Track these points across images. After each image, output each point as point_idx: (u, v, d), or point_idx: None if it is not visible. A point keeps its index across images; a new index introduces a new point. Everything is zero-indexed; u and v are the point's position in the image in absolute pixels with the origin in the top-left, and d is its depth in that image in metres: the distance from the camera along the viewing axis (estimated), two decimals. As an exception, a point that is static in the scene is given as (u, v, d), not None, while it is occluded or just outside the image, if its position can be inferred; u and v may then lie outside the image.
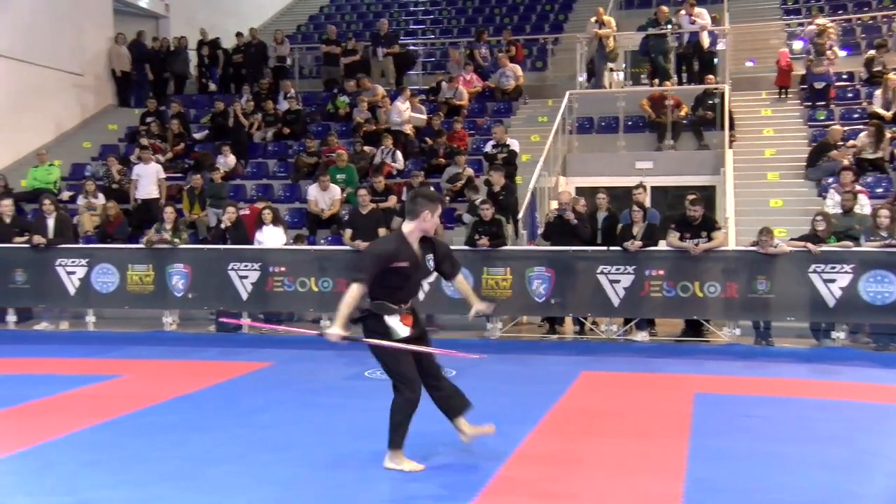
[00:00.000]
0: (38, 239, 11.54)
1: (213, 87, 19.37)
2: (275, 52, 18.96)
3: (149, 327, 11.66)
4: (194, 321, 12.04)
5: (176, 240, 11.54)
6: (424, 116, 15.64)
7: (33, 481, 5.04)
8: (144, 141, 15.45)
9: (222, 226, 11.82)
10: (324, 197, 13.15)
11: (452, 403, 5.44)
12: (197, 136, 16.54)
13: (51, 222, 11.78)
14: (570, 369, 8.72)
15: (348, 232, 11.31)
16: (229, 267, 11.27)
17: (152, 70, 19.12)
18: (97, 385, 7.97)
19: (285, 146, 16.19)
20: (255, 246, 11.56)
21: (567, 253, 10.67)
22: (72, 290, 11.56)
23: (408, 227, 5.22)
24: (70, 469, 5.27)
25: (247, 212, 12.63)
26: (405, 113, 15.34)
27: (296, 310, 11.83)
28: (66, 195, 14.71)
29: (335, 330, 5.11)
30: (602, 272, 10.39)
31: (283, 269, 11.22)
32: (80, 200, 13.92)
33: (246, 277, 11.26)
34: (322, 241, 12.82)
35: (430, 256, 5.33)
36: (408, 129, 15.28)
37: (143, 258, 11.52)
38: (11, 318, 11.83)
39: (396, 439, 5.23)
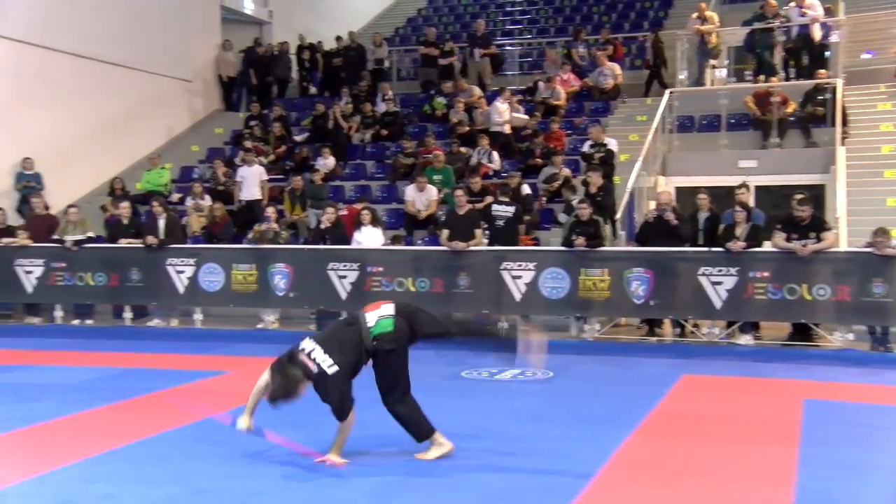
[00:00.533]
0: (150, 239, 12.04)
1: (313, 90, 19.82)
2: (373, 55, 19.25)
3: (251, 325, 12.02)
4: (294, 320, 12.34)
5: (283, 233, 11.89)
6: (526, 116, 15.55)
7: (148, 470, 5.25)
8: (248, 144, 15.94)
9: (322, 226, 12.08)
10: (421, 197, 13.27)
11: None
12: (298, 138, 16.95)
13: (161, 223, 12.27)
14: (670, 372, 8.53)
15: (445, 232, 11.38)
16: (328, 267, 11.49)
17: (256, 75, 19.71)
18: (205, 381, 8.26)
19: (383, 147, 16.42)
20: (354, 246, 11.75)
21: (667, 254, 10.44)
22: (181, 289, 12.00)
23: None
24: (181, 460, 5.48)
25: (345, 212, 12.86)
26: (505, 113, 15.30)
27: (393, 309, 11.95)
28: (175, 197, 15.31)
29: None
30: (703, 273, 10.13)
31: (380, 269, 11.37)
32: (189, 202, 14.46)
33: (345, 277, 11.46)
34: (419, 242, 12.94)
35: None
36: (507, 129, 15.24)
37: (246, 258, 11.88)
38: (128, 314, 12.40)
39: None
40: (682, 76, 16.43)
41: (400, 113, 17.01)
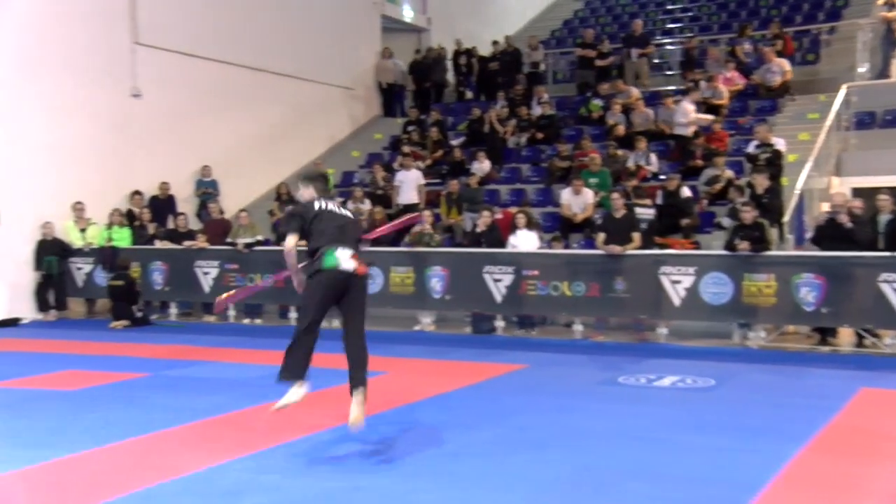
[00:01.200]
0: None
1: (469, 94, 20.06)
2: (528, 58, 19.25)
3: (407, 327, 12.29)
4: (450, 322, 12.52)
5: (436, 236, 12.12)
6: (711, 116, 14.98)
7: (312, 465, 5.48)
8: (406, 148, 16.33)
9: (477, 230, 12.19)
10: (577, 200, 13.14)
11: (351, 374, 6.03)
12: (454, 142, 17.20)
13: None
14: (845, 385, 8.01)
15: (601, 236, 11.21)
16: (484, 270, 11.58)
17: (414, 81, 20.17)
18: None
19: (538, 151, 16.38)
20: (509, 249, 11.78)
21: (841, 259, 9.83)
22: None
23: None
24: (344, 456, 5.68)
25: (501, 216, 12.91)
26: (690, 114, 14.83)
27: (548, 313, 11.92)
28: (337, 201, 15.87)
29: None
30: (885, 280, 9.46)
31: (535, 272, 11.34)
32: (349, 206, 14.94)
33: (500, 280, 11.50)
34: (575, 245, 12.81)
35: None
36: (690, 131, 14.75)
37: (404, 261, 12.15)
38: (293, 314, 12.98)
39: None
40: (863, 69, 15.40)
41: (555, 116, 16.92)
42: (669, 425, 6.53)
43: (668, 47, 19.35)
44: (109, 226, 13.72)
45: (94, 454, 5.72)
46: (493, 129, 16.66)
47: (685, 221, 12.06)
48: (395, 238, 13.61)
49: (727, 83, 15.89)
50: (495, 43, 19.91)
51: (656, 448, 5.84)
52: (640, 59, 17.89)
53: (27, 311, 13.33)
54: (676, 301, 10.57)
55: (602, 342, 11.09)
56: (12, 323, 12.89)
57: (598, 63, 18.10)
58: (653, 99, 16.73)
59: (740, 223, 10.46)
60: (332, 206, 6.18)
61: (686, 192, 12.69)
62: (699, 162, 13.73)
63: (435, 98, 20.35)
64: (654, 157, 14.19)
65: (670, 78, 18.41)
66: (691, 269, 10.50)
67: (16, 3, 13.13)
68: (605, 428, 6.42)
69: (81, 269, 13.72)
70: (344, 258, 5.90)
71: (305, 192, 6.36)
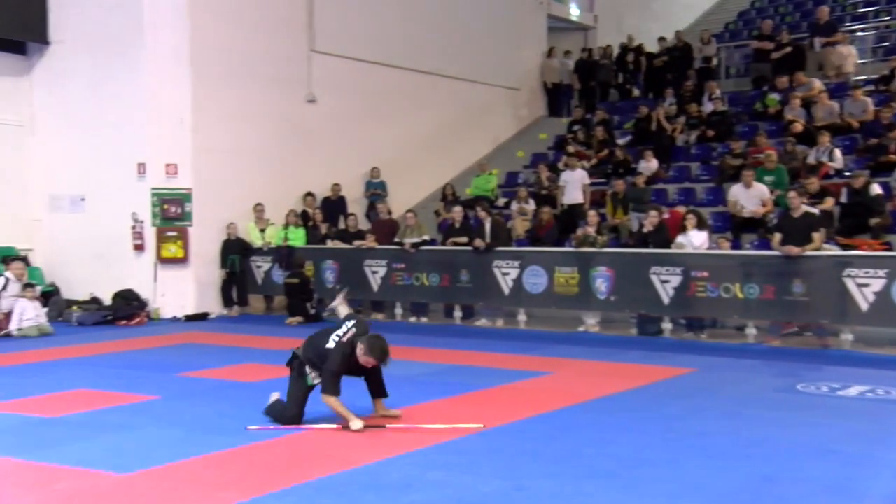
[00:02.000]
0: (478, 242, 12.69)
1: (636, 92, 19.62)
2: (700, 53, 18.58)
3: (571, 327, 12.17)
4: (616, 323, 12.29)
5: (599, 237, 11.92)
6: None
7: (476, 464, 5.52)
8: (571, 148, 16.18)
9: (644, 230, 11.89)
10: (747, 195, 12.47)
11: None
12: (620, 141, 16.87)
13: (488, 227, 12.87)
14: None
15: (777, 236, 10.64)
16: (651, 271, 11.28)
17: (580, 80, 19.95)
18: (530, 380, 8.50)
19: (709, 149, 15.79)
20: (677, 250, 11.40)
21: None
22: (506, 290, 12.49)
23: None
24: (508, 455, 5.68)
25: (668, 215, 12.53)
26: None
27: (719, 316, 11.46)
28: (501, 201, 15.99)
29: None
30: None
31: (705, 273, 10.93)
32: (514, 206, 15.02)
33: (667, 282, 11.18)
34: (747, 246, 12.24)
35: None
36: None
37: (569, 261, 12.04)
38: (458, 313, 13.19)
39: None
40: None
41: (728, 112, 16.23)
42: (860, 439, 6.10)
43: (860, 34, 18.05)
44: (286, 226, 14.46)
45: (272, 444, 6.02)
46: (660, 127, 16.19)
47: (874, 221, 11.24)
48: (559, 239, 13.53)
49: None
50: (661, 39, 19.35)
51: (849, 463, 5.47)
52: (825, 48, 16.82)
53: (214, 306, 14.28)
54: (864, 305, 9.87)
55: (778, 347, 10.53)
56: (202, 317, 13.85)
57: (775, 55, 17.18)
58: (838, 91, 15.71)
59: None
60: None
61: (876, 189, 11.80)
62: (892, 157, 12.74)
63: (601, 97, 20.05)
64: (838, 153, 13.31)
65: (863, 67, 17.17)
66: (882, 272, 9.77)
67: (202, 17, 14.08)
68: (785, 438, 6.08)
69: (261, 267, 14.53)
70: None
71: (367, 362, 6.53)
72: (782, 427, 6.44)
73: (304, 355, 6.56)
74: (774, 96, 16.04)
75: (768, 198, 12.44)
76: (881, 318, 9.91)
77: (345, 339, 6.43)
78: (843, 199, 11.92)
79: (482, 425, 6.38)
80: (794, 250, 10.28)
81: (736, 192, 12.69)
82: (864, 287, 9.86)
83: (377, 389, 6.73)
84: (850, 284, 9.95)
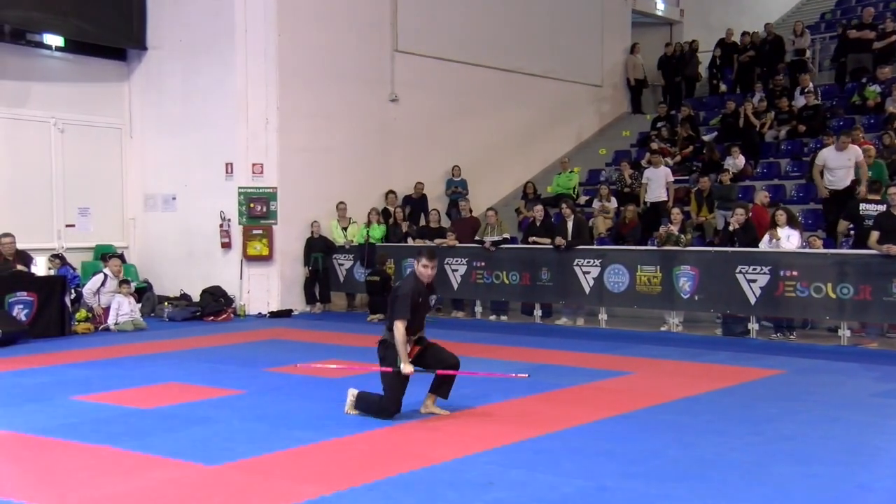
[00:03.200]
0: (559, 240, 12.59)
1: (723, 87, 19.15)
2: (793, 45, 17.98)
3: (653, 327, 11.96)
4: (700, 323, 12.03)
5: (682, 236, 11.66)
6: None
7: (558, 462, 5.48)
8: (654, 145, 15.90)
9: (730, 228, 11.59)
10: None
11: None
12: (706, 138, 16.49)
13: (570, 224, 12.76)
14: None
15: (874, 234, 10.22)
16: (737, 270, 11.00)
17: (664, 76, 19.58)
18: (612, 380, 8.40)
19: (800, 144, 15.28)
20: (765, 248, 11.08)
21: None
22: (587, 289, 12.36)
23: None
24: (590, 455, 5.62)
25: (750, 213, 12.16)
26: None
27: (810, 316, 11.09)
28: (582, 199, 15.83)
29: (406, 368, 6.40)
30: None
31: (795, 273, 10.60)
32: (595, 204, 14.85)
33: (755, 281, 10.88)
34: (841, 244, 11.80)
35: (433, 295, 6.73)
36: None
37: (652, 259, 11.84)
38: (537, 312, 13.12)
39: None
40: None
41: (822, 106, 15.66)
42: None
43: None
44: (368, 224, 14.64)
45: (355, 439, 6.11)
46: (748, 123, 15.76)
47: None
48: (642, 237, 13.31)
49: None
50: (745, 34, 18.82)
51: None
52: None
53: (298, 303, 14.58)
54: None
55: (875, 350, 10.12)
56: (286, 314, 14.15)
57: (877, 45, 16.45)
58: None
59: None
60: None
61: None
62: None
63: (686, 93, 19.63)
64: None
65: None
66: None
67: (290, 20, 14.38)
68: (882, 445, 5.84)
69: (343, 265, 14.75)
70: None
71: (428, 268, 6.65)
72: (879, 434, 6.19)
73: (386, 334, 6.63)
74: (874, 88, 15.40)
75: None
76: None
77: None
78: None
79: (527, 375, 7.13)
80: (893, 249, 9.86)
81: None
82: (969, 288, 9.41)
83: (438, 386, 6.74)
84: (956, 286, 9.50)
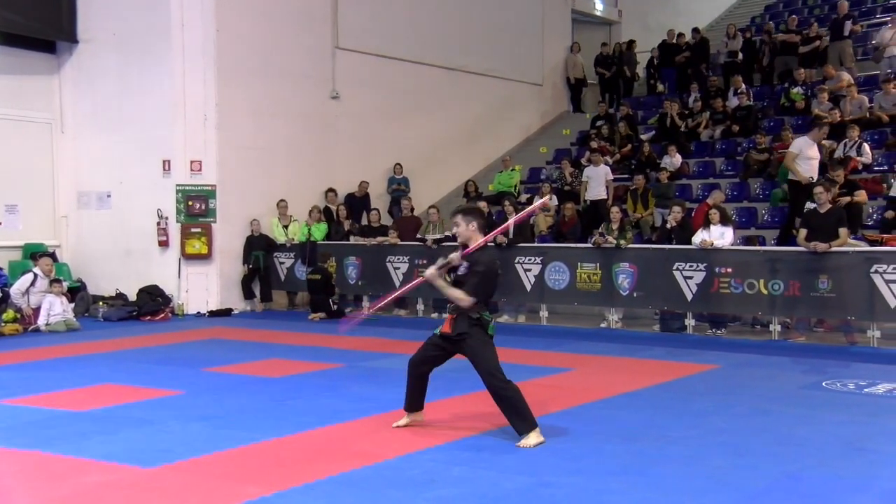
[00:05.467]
0: (500, 238, 12.65)
1: (661, 87, 19.50)
2: (726, 48, 18.41)
3: (593, 324, 12.12)
4: (639, 320, 12.23)
5: (621, 241, 11.80)
6: None
7: (500, 459, 5.51)
8: (594, 144, 16.11)
9: (668, 225, 11.81)
10: (814, 150, 11.89)
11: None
12: (644, 137, 16.77)
13: (511, 223, 12.80)
14: None
15: (803, 231, 10.53)
16: (674, 267, 11.21)
17: (601, 74, 19.86)
18: (553, 376, 8.48)
19: (734, 144, 15.65)
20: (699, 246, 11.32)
21: None
22: (528, 286, 12.47)
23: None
24: (533, 452, 5.65)
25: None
26: None
27: (743, 312, 11.37)
28: (523, 197, 15.95)
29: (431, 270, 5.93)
30: None
31: (730, 269, 10.85)
32: (536, 202, 14.96)
33: (691, 278, 11.11)
34: (773, 242, 12.13)
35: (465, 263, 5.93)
36: None
37: (592, 257, 11.99)
38: (479, 309, 13.16)
39: (531, 418, 5.77)
40: None
41: (754, 107, 16.07)
42: (888, 437, 6.04)
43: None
44: (309, 222, 14.51)
45: (296, 438, 6.06)
46: (673, 124, 16.15)
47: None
48: (582, 235, 13.47)
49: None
50: (680, 35, 19.21)
51: (876, 462, 5.41)
52: (844, 41, 16.61)
53: (238, 302, 14.39)
54: (892, 302, 9.75)
55: (803, 343, 10.43)
56: (225, 313, 13.94)
57: (802, 49, 16.99)
58: (867, 84, 15.52)
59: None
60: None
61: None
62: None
63: (625, 92, 19.94)
64: (867, 148, 13.16)
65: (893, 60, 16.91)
66: (911, 268, 9.65)
67: (228, 15, 14.16)
68: (813, 436, 6.02)
69: (284, 263, 14.60)
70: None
71: (467, 229, 5.95)
72: (808, 424, 6.38)
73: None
74: (798, 90, 15.87)
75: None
76: (910, 314, 9.80)
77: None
78: (894, 192, 11.80)
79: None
80: (821, 246, 10.16)
81: (800, 144, 12.09)
82: (893, 283, 9.75)
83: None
84: (879, 280, 9.83)
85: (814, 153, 12.09)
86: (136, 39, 14.23)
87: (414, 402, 6.23)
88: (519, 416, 5.79)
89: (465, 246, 6.03)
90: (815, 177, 11.72)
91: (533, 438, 5.73)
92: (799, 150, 12.04)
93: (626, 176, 15.40)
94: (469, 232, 5.96)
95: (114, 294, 13.98)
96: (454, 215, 6.18)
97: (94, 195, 14.87)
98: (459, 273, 5.97)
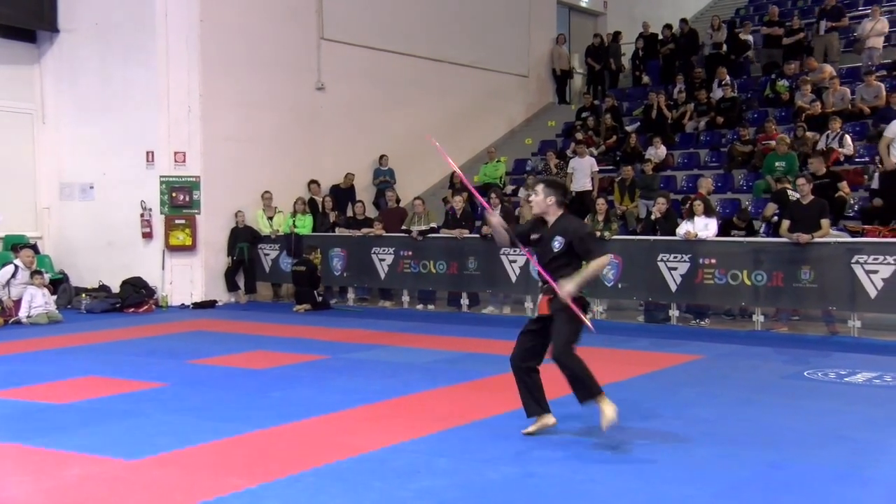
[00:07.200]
0: (486, 230, 12.66)
1: (646, 79, 19.53)
2: (711, 39, 18.46)
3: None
4: (624, 311, 12.27)
5: (606, 232, 11.83)
6: None
7: (484, 450, 5.52)
8: (579, 135, 16.12)
9: (652, 217, 11.85)
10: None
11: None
12: (629, 128, 16.80)
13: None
14: None
15: (785, 223, 10.59)
16: (658, 258, 11.26)
17: (589, 66, 19.88)
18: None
19: (719, 135, 15.71)
20: (683, 237, 11.36)
21: None
22: (514, 278, 12.48)
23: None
24: (516, 442, 5.67)
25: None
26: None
27: (726, 303, 11.44)
28: (509, 189, 15.96)
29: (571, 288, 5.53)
30: None
31: (713, 260, 10.91)
32: (521, 193, 14.98)
33: (675, 269, 11.15)
34: (759, 234, 12.18)
35: (558, 237, 5.66)
36: None
37: (577, 248, 11.97)
38: (464, 301, 13.18)
39: (595, 386, 5.55)
40: None
41: (738, 98, 16.13)
42: (868, 425, 6.10)
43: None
44: (294, 214, 14.46)
45: (281, 430, 6.05)
46: (661, 115, 16.18)
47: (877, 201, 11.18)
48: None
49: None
50: (668, 27, 19.25)
51: (856, 450, 5.47)
52: (830, 33, 16.69)
53: (222, 294, 14.33)
54: (872, 292, 9.84)
55: (786, 334, 10.51)
56: (210, 305, 13.89)
57: (786, 41, 17.06)
58: (851, 76, 15.62)
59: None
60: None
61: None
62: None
63: (610, 84, 19.96)
64: (848, 139, 13.24)
65: (874, 52, 17.01)
66: (891, 258, 9.76)
67: (212, 5, 14.06)
68: (795, 425, 6.08)
69: (268, 255, 14.55)
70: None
71: (544, 201, 5.74)
72: (790, 414, 6.43)
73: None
74: (783, 82, 15.94)
75: None
76: (889, 305, 9.90)
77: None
78: (875, 185, 11.86)
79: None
80: (803, 237, 10.23)
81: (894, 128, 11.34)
82: (873, 273, 9.83)
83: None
84: (859, 271, 9.92)
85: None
86: (119, 29, 14.11)
87: (533, 404, 5.76)
88: (583, 386, 5.58)
89: (540, 218, 5.82)
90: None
91: (607, 410, 5.44)
92: (893, 134, 11.41)
93: (611, 167, 15.43)
94: (545, 205, 5.74)
95: (97, 286, 13.89)
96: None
97: (76, 186, 14.76)
98: (556, 249, 5.67)
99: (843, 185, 11.87)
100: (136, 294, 13.47)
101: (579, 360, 5.63)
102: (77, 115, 14.65)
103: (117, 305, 13.28)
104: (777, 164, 12.83)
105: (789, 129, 14.16)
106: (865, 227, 11.13)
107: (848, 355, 8.88)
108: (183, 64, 13.83)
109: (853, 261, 9.97)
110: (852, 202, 12.47)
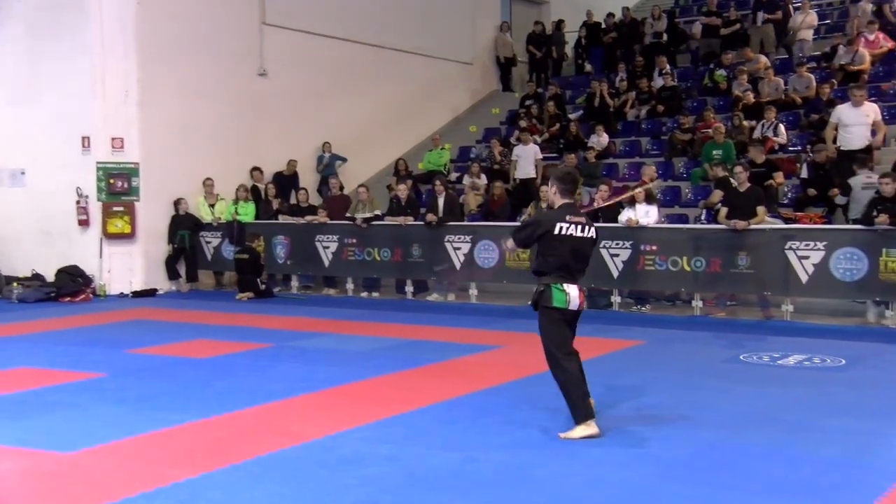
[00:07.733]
0: (430, 217, 12.68)
1: (588, 67, 19.70)
2: (651, 29, 18.69)
3: (522, 302, 12.20)
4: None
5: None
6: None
7: (428, 436, 5.55)
8: (523, 123, 16.20)
9: (595, 205, 11.97)
10: (856, 115, 11.34)
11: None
12: (572, 116, 16.94)
13: (441, 201, 12.86)
14: None
15: (723, 210, 10.82)
16: (601, 245, 11.38)
17: (531, 54, 19.97)
18: (482, 354, 8.55)
19: (659, 124, 15.94)
20: (624, 224, 11.53)
21: None
22: (458, 265, 12.51)
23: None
24: (459, 428, 5.72)
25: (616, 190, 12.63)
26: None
27: (666, 289, 11.65)
28: (453, 176, 15.98)
29: None
30: None
31: (654, 247, 11.09)
32: (466, 181, 15.02)
33: (617, 255, 11.31)
34: (697, 220, 12.43)
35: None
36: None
37: (521, 235, 12.05)
38: (409, 288, 13.17)
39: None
40: None
41: (678, 87, 16.39)
42: (799, 406, 6.29)
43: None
44: (236, 201, 14.26)
45: (223, 419, 5.98)
46: (603, 103, 16.36)
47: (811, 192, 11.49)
48: (511, 214, 13.57)
49: (871, 46, 14.89)
50: (610, 15, 19.45)
51: (789, 430, 5.64)
52: (766, 24, 17.06)
53: (163, 282, 14.07)
54: (804, 277, 10.13)
55: (723, 319, 10.76)
56: (150, 294, 13.64)
57: (723, 31, 17.39)
58: (784, 67, 15.98)
59: (879, 196, 9.88)
60: (572, 228, 5.65)
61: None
62: (833, 132, 12.99)
63: (553, 72, 20.09)
64: (782, 128, 13.56)
65: (804, 43, 17.42)
66: (821, 245, 10.04)
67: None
68: (732, 408, 6.24)
69: (210, 242, 14.34)
70: (573, 296, 5.67)
71: (552, 193, 5.85)
72: (727, 396, 6.60)
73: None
74: (721, 72, 16.24)
75: (880, 120, 11.71)
76: (819, 290, 10.21)
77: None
78: (805, 174, 12.16)
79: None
80: (740, 224, 10.47)
81: (840, 111, 11.70)
82: (805, 259, 10.12)
83: None
84: (792, 257, 10.19)
85: (856, 119, 11.44)
86: (49, 10, 13.66)
87: (588, 406, 5.56)
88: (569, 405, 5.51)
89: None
90: (858, 146, 11.30)
91: (577, 432, 5.38)
92: (838, 118, 11.64)
93: (554, 155, 15.54)
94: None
95: (30, 275, 13.51)
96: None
97: (6, 172, 14.30)
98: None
99: (778, 174, 12.14)
100: (73, 283, 13.15)
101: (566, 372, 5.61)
102: (4, 98, 14.17)
103: (52, 295, 12.95)
104: (714, 152, 13.08)
105: (727, 118, 14.44)
106: (798, 214, 11.42)
107: (781, 339, 9.13)
108: (119, 47, 13.49)
109: (787, 247, 10.24)
110: (786, 190, 12.79)
